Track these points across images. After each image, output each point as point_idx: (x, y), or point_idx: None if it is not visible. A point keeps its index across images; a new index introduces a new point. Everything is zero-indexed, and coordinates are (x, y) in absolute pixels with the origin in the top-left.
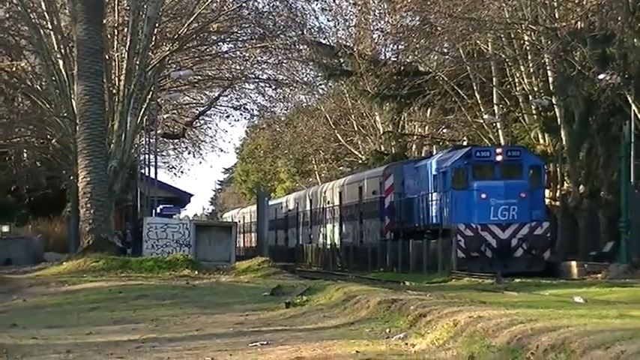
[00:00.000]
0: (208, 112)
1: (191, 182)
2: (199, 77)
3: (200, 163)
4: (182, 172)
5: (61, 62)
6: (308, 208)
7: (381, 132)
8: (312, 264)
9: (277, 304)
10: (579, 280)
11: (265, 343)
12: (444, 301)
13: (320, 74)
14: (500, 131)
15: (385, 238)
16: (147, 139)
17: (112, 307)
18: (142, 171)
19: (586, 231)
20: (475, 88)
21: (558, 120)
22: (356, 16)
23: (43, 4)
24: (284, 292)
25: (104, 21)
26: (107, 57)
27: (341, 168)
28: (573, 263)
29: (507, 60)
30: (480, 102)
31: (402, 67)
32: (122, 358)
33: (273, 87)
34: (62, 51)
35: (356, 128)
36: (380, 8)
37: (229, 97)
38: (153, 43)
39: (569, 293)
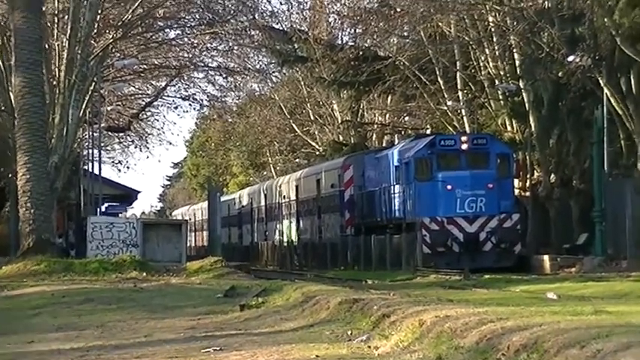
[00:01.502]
0: (155, 104)
1: (138, 178)
2: (145, 66)
3: (147, 157)
4: (128, 167)
5: None
6: (263, 203)
7: (339, 121)
8: (269, 263)
9: (231, 306)
10: (552, 274)
11: (219, 348)
12: (408, 300)
13: (273, 61)
14: (465, 118)
15: (345, 234)
16: (90, 133)
17: (56, 312)
18: (86, 167)
19: (558, 222)
20: (438, 73)
21: (526, 105)
22: None
23: None
24: (238, 294)
25: (43, 8)
26: (47, 46)
27: (297, 160)
28: (545, 257)
29: (471, 43)
30: (443, 88)
31: (360, 52)
32: None
33: (224, 75)
34: None
35: (312, 118)
36: None
37: (177, 86)
38: (95, 30)
39: (541, 289)
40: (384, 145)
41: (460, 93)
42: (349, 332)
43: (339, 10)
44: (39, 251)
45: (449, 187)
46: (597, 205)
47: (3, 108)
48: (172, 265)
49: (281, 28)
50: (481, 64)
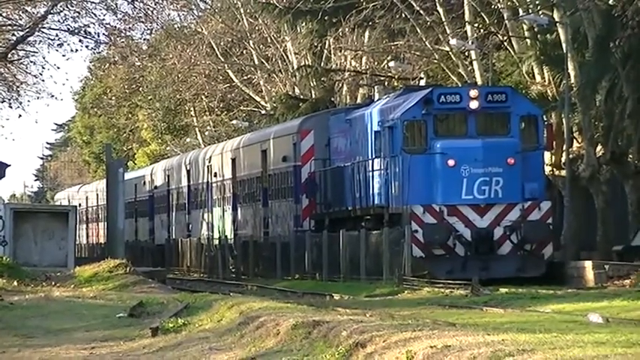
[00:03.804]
0: (31, 39)
1: (6, 146)
2: None
3: (20, 116)
4: None
5: None
6: (184, 183)
7: (295, 67)
8: (192, 269)
9: (139, 330)
10: (597, 288)
11: None
12: (392, 323)
13: None
14: (475, 64)
15: (302, 229)
16: None
17: None
18: None
19: (607, 215)
20: None
21: (563, 46)
22: None
23: None
24: (149, 313)
25: None
26: None
27: (234, 122)
28: (588, 264)
29: None
30: (444, 20)
31: None
32: None
33: None
34: None
35: (256, 61)
36: None
37: (63, 14)
38: None
39: (581, 309)
40: (358, 101)
41: (469, 27)
42: None
43: None
44: None
45: (451, 162)
46: None
47: None
48: (55, 270)
49: None
50: None
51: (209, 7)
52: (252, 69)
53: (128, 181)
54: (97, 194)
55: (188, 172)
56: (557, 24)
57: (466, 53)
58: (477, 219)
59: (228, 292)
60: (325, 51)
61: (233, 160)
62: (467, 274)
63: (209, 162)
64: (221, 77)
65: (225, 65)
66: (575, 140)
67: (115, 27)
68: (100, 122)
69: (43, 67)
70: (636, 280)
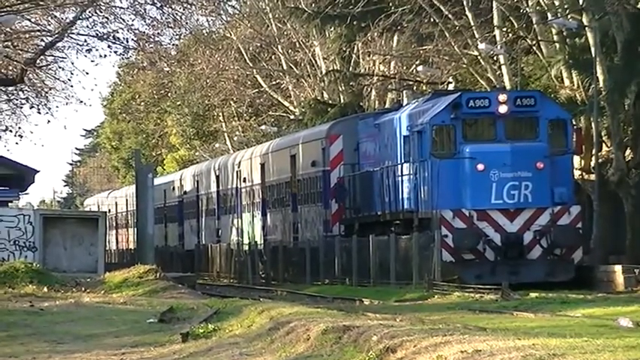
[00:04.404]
0: (60, 45)
1: (35, 152)
2: None
3: (49, 122)
4: (21, 136)
5: None
6: (213, 189)
7: (324, 72)
8: (222, 274)
9: (169, 335)
10: (627, 292)
11: None
12: (422, 327)
13: None
14: (504, 68)
15: (332, 234)
16: None
17: None
18: None
19: (636, 219)
20: (466, 3)
21: (592, 50)
22: None
23: None
24: (179, 318)
25: None
26: None
27: (263, 127)
28: (617, 268)
29: None
30: (472, 24)
31: None
32: None
33: (159, 5)
34: None
35: (285, 66)
36: None
37: (92, 20)
38: None
39: (611, 313)
40: (386, 105)
41: (497, 32)
42: None
43: None
44: None
45: (480, 166)
46: None
47: None
48: (85, 276)
49: None
50: None
51: (238, 12)
52: (281, 74)
53: (157, 187)
54: (127, 200)
55: (217, 177)
56: (586, 28)
57: (495, 57)
58: (507, 223)
59: (258, 297)
60: (354, 56)
61: (262, 166)
62: (496, 279)
63: (238, 167)
64: (249, 82)
65: (254, 70)
66: (604, 144)
67: (144, 32)
68: (128, 128)
69: (72, 73)
70: None
